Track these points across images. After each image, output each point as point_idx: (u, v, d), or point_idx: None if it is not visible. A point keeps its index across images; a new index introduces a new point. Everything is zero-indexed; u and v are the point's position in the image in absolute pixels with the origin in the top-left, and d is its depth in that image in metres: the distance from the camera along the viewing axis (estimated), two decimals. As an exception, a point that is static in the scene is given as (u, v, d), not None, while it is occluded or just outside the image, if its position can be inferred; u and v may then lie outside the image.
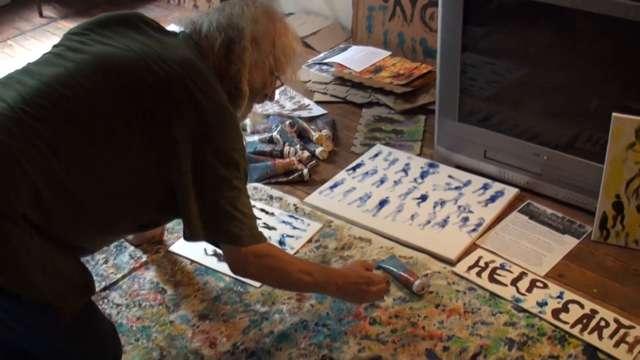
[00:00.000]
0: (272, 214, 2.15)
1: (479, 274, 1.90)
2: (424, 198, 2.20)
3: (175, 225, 2.08)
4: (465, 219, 2.10)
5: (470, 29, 2.12)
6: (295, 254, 1.99)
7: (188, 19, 1.62)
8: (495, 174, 2.27)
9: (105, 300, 1.85)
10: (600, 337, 1.69)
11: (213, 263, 1.95)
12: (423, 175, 2.31)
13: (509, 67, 2.20)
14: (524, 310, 1.78)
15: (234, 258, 1.52)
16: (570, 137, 2.10)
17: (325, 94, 2.82)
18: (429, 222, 2.10)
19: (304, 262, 1.80)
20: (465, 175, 2.30)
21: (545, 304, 1.80)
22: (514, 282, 1.87)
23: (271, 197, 2.23)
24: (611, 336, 1.69)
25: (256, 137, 2.49)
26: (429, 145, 2.46)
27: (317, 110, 2.71)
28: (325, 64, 2.99)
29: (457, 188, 2.24)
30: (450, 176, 2.30)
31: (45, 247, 1.36)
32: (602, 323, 1.73)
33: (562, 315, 1.76)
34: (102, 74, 1.42)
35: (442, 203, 2.18)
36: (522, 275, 1.89)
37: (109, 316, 1.79)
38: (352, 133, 2.57)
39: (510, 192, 2.21)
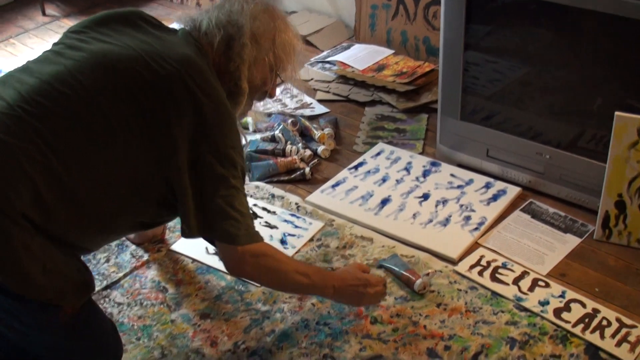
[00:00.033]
0: (274, 212, 2.15)
1: (480, 273, 1.89)
2: (426, 197, 2.20)
3: (176, 224, 2.07)
4: (467, 218, 2.10)
5: (472, 27, 2.12)
6: (296, 252, 1.99)
7: (188, 16, 1.61)
8: (497, 172, 2.26)
9: (107, 299, 1.85)
10: (602, 336, 1.69)
11: (214, 262, 1.95)
12: (425, 174, 2.30)
13: (511, 66, 2.19)
14: (525, 310, 1.78)
15: (230, 257, 1.52)
16: (573, 136, 2.09)
17: (327, 92, 2.82)
18: (430, 220, 2.10)
19: (300, 263, 1.80)
20: (467, 174, 2.29)
21: (547, 303, 1.79)
22: (516, 281, 1.86)
23: (273, 196, 2.23)
24: (613, 335, 1.69)
25: (258, 136, 2.49)
26: (431, 144, 2.45)
27: (320, 109, 2.71)
28: (328, 62, 2.98)
29: (459, 187, 2.24)
30: (452, 175, 2.29)
31: (45, 245, 1.36)
32: (604, 322, 1.72)
33: (564, 315, 1.75)
34: (101, 72, 1.42)
35: (444, 202, 2.17)
36: (524, 275, 1.89)
37: (110, 315, 1.79)
38: (354, 132, 2.57)
39: (513, 191, 2.20)
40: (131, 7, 1.61)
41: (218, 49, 1.55)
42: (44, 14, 3.54)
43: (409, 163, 2.36)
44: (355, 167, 2.35)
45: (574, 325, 1.72)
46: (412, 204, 2.17)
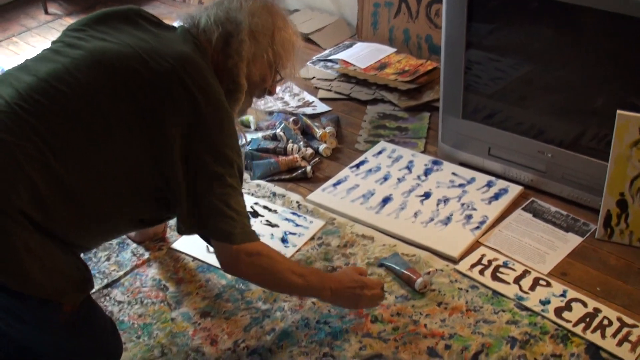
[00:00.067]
0: (275, 211, 2.15)
1: (481, 272, 1.89)
2: (427, 195, 2.19)
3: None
4: (469, 217, 2.09)
5: (474, 25, 2.11)
6: (297, 251, 1.99)
7: (187, 14, 1.61)
8: (499, 171, 2.25)
9: (107, 298, 1.85)
10: (603, 335, 1.68)
11: (215, 260, 1.89)
12: (427, 172, 2.30)
13: (513, 64, 2.18)
14: (526, 309, 1.77)
15: (225, 255, 1.52)
16: (575, 135, 2.09)
17: (329, 90, 2.81)
18: (432, 219, 2.09)
19: (296, 264, 1.79)
20: (469, 173, 2.28)
21: (548, 302, 1.79)
22: (517, 280, 1.86)
23: (274, 194, 2.23)
24: (614, 335, 1.68)
25: (259, 134, 2.49)
26: (433, 143, 2.45)
27: (321, 107, 2.71)
28: (330, 60, 2.98)
29: (460, 185, 2.23)
30: (454, 173, 2.29)
31: (44, 243, 1.36)
32: (605, 322, 1.72)
33: (565, 314, 1.75)
34: (99, 70, 1.42)
35: (446, 200, 2.17)
36: (525, 274, 1.88)
37: (110, 313, 1.80)
38: (356, 130, 2.56)
39: (515, 189, 2.19)
40: (130, 5, 1.61)
41: (216, 46, 1.55)
42: (46, 12, 3.55)
43: (411, 162, 2.35)
44: (357, 166, 2.35)
45: (575, 325, 1.71)
46: (413, 203, 2.16)
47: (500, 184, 2.22)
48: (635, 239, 1.95)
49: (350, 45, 3.08)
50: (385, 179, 2.28)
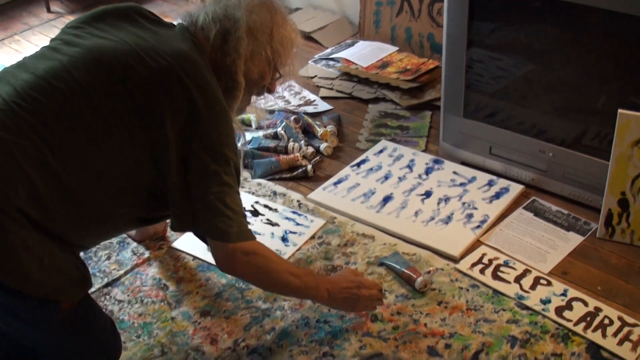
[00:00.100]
0: (276, 210, 2.15)
1: (482, 271, 1.89)
2: (428, 194, 2.19)
3: (178, 221, 2.08)
4: (470, 216, 2.09)
5: (476, 24, 2.11)
6: (297, 250, 1.99)
7: (186, 12, 1.61)
8: (500, 170, 2.25)
9: (108, 297, 1.85)
10: (603, 335, 1.68)
11: None
12: (428, 171, 2.30)
13: (515, 63, 2.18)
14: (527, 308, 1.77)
15: (221, 254, 1.51)
16: (576, 134, 2.08)
17: (331, 89, 2.81)
18: (432, 218, 2.09)
19: (292, 265, 1.79)
20: (470, 172, 2.28)
21: (549, 301, 1.78)
22: (518, 280, 1.85)
23: (275, 193, 2.22)
24: (615, 334, 1.68)
25: (261, 133, 2.49)
26: (434, 142, 2.44)
27: (323, 106, 2.70)
28: (332, 59, 2.97)
29: (461, 184, 2.23)
30: (455, 172, 2.28)
31: (42, 241, 1.37)
32: (606, 321, 1.71)
33: (566, 313, 1.74)
34: (96, 68, 1.42)
35: (447, 199, 2.16)
36: (525, 273, 1.87)
37: (110, 312, 1.80)
38: (357, 129, 2.56)
39: (516, 188, 2.19)
40: (129, 2, 1.60)
41: (214, 43, 1.55)
42: (48, 10, 3.55)
43: (412, 160, 2.35)
44: (358, 165, 2.34)
45: (576, 324, 1.71)
46: (414, 202, 2.16)
47: (501, 183, 2.22)
48: (637, 238, 1.94)
49: (352, 44, 3.08)
50: (386, 177, 2.27)
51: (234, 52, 1.53)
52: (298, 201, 2.18)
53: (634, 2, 1.75)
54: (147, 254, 1.99)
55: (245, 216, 1.54)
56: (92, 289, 1.86)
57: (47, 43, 1.54)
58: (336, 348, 1.68)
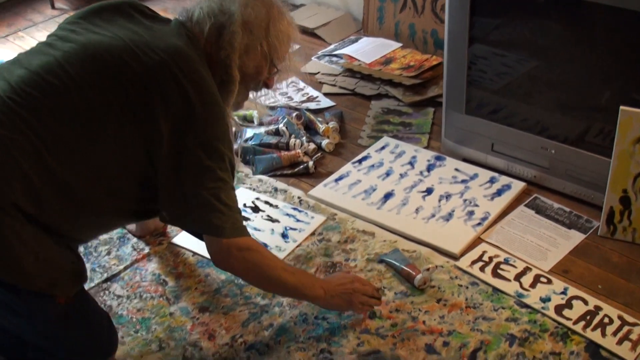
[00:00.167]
0: (276, 206, 2.15)
1: (482, 269, 1.88)
2: (429, 191, 2.18)
3: (178, 217, 2.08)
4: (471, 213, 2.08)
5: (477, 20, 2.09)
6: (297, 246, 1.99)
7: (182, 7, 1.61)
8: (502, 167, 2.24)
9: (107, 292, 1.86)
10: (603, 334, 1.66)
11: None
12: (429, 168, 2.29)
13: (516, 60, 2.16)
14: (526, 306, 1.76)
15: (215, 249, 1.51)
16: (579, 131, 2.06)
17: (334, 85, 2.80)
18: (433, 215, 2.08)
19: (287, 264, 1.79)
20: (472, 169, 2.27)
21: (549, 299, 1.77)
22: (518, 277, 1.84)
23: (276, 190, 2.22)
24: (615, 333, 1.66)
25: (262, 129, 2.48)
26: (436, 138, 2.43)
27: (325, 102, 2.69)
28: (335, 55, 2.97)
29: (463, 181, 2.22)
30: (456, 169, 2.27)
31: (37, 235, 1.37)
32: (606, 320, 1.70)
33: (565, 312, 1.73)
34: (89, 63, 1.42)
35: (448, 196, 2.15)
36: (526, 271, 1.86)
37: (109, 307, 1.80)
38: (359, 125, 2.55)
39: (518, 186, 2.18)
40: None
41: (209, 37, 1.54)
42: (53, 7, 3.55)
43: (414, 157, 2.34)
44: (359, 161, 2.34)
45: (575, 323, 1.70)
46: (415, 199, 2.15)
47: (503, 180, 2.20)
48: (638, 237, 1.93)
49: (356, 40, 3.07)
50: (388, 174, 2.27)
51: (228, 46, 1.52)
52: (299, 197, 2.18)
53: (639, -2, 1.74)
54: (147, 250, 1.99)
55: (240, 212, 1.53)
56: (92, 284, 1.87)
57: (47, 39, 1.54)
58: (334, 345, 1.68)
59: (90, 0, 3.50)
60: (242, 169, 2.32)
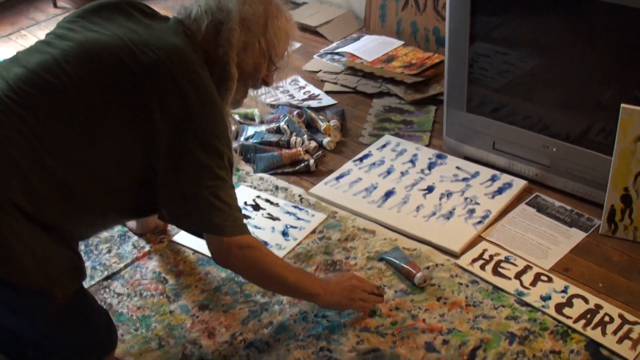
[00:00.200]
0: (277, 204, 2.14)
1: (482, 267, 1.87)
2: (430, 189, 2.18)
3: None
4: (472, 211, 2.07)
5: (480, 18, 2.09)
6: (298, 244, 1.98)
7: (180, 5, 1.60)
8: (504, 165, 2.23)
9: (107, 290, 1.86)
10: (603, 332, 1.66)
11: None
12: (430, 166, 2.28)
13: (520, 58, 2.16)
14: (526, 304, 1.75)
15: (216, 248, 1.52)
16: (580, 129, 2.06)
17: (335, 84, 2.80)
18: (434, 213, 2.08)
19: (287, 262, 1.81)
20: (473, 167, 2.26)
21: (549, 298, 1.76)
22: (518, 276, 1.84)
23: (277, 188, 2.22)
24: (615, 332, 1.66)
25: (263, 127, 2.48)
26: (438, 136, 2.43)
27: (327, 101, 2.69)
28: (337, 53, 2.97)
29: (464, 179, 2.21)
30: (458, 167, 2.27)
31: (35, 233, 1.37)
32: (607, 318, 1.69)
33: (566, 310, 1.73)
34: (87, 61, 1.42)
35: (449, 194, 2.15)
36: (526, 269, 1.86)
37: (109, 305, 1.80)
38: (361, 123, 2.55)
39: (519, 184, 2.17)
40: None
41: (206, 35, 1.54)
42: (55, 5, 3.55)
43: (415, 155, 2.34)
44: (360, 159, 2.33)
45: (576, 321, 1.69)
46: (416, 197, 2.15)
47: (505, 178, 2.20)
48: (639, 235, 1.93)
49: (358, 38, 3.07)
50: (389, 172, 2.26)
51: (226, 43, 1.52)
52: (300, 196, 2.18)
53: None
54: (147, 248, 1.99)
55: (240, 210, 1.53)
56: (92, 282, 1.87)
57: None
58: (333, 343, 1.68)
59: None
60: (243, 167, 2.32)
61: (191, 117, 1.44)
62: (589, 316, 1.71)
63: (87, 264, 1.92)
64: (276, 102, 2.62)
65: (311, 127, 2.49)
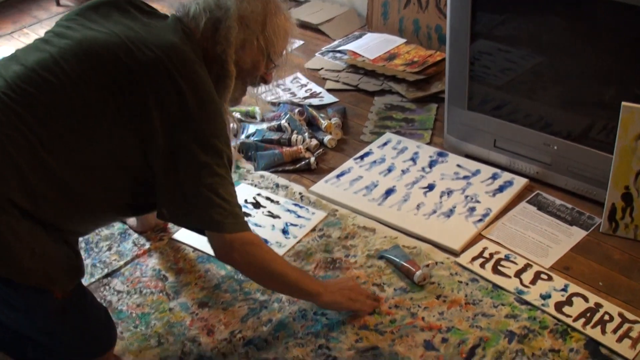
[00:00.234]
0: (277, 202, 2.14)
1: (482, 265, 1.87)
2: (431, 187, 2.17)
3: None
4: (472, 209, 2.07)
5: (482, 16, 2.08)
6: (298, 242, 1.98)
7: (179, 3, 1.60)
8: (505, 163, 2.23)
9: (107, 287, 1.86)
10: (603, 331, 1.65)
11: None
12: (431, 164, 2.28)
13: (522, 56, 2.15)
14: (526, 303, 1.75)
15: (218, 245, 1.52)
16: (582, 127, 2.05)
17: (337, 81, 2.79)
18: (434, 211, 2.07)
19: (287, 261, 1.83)
20: (474, 165, 2.26)
21: (549, 296, 1.76)
22: (518, 274, 1.83)
23: (277, 186, 2.22)
24: (614, 331, 1.65)
25: (264, 125, 2.48)
26: (439, 134, 2.42)
27: (329, 98, 2.69)
28: (339, 51, 2.96)
29: (465, 177, 2.21)
30: (459, 165, 2.26)
31: (33, 230, 1.37)
32: (606, 317, 1.69)
33: (565, 309, 1.72)
34: (84, 59, 1.42)
35: (449, 193, 2.15)
36: (526, 267, 1.85)
37: (109, 303, 1.81)
38: (362, 121, 2.54)
39: (520, 182, 2.17)
40: None
41: (205, 32, 1.54)
42: (58, 4, 3.55)
43: (416, 153, 2.33)
44: (361, 157, 2.33)
45: (575, 320, 1.69)
46: (416, 195, 2.14)
47: (506, 176, 2.19)
48: (641, 233, 1.92)
49: (360, 36, 3.06)
50: (390, 170, 2.26)
51: (224, 40, 1.52)
52: (300, 194, 2.18)
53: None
54: (147, 245, 1.99)
55: (240, 207, 1.53)
56: (92, 279, 1.87)
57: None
58: (332, 341, 1.68)
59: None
60: (244, 165, 2.32)
61: (189, 116, 1.44)
62: (588, 315, 1.70)
63: (87, 261, 1.92)
64: (277, 100, 2.62)
65: (312, 125, 2.49)
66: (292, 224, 2.06)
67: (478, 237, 1.98)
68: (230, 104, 1.61)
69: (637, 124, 1.80)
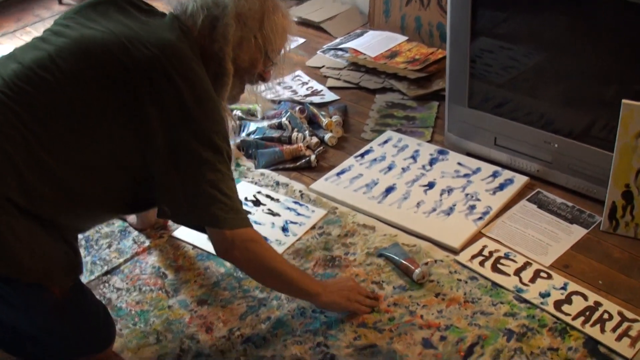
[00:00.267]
0: (277, 200, 2.14)
1: (482, 263, 1.86)
2: (431, 185, 2.17)
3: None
4: (472, 207, 2.07)
5: (484, 13, 2.08)
6: (297, 240, 1.98)
7: (177, 1, 1.60)
8: (505, 161, 2.22)
9: (107, 284, 1.86)
10: (602, 330, 1.65)
11: None
12: (432, 162, 2.27)
13: (524, 53, 2.14)
14: (525, 301, 1.75)
15: (219, 241, 1.52)
16: (582, 125, 2.04)
17: (338, 79, 2.79)
18: (434, 209, 2.07)
19: (287, 260, 1.83)
20: (475, 163, 2.25)
21: (548, 295, 1.76)
22: (517, 272, 1.83)
23: (277, 183, 2.22)
24: (614, 329, 1.65)
25: (265, 123, 2.48)
26: (440, 132, 2.42)
27: (330, 96, 2.69)
28: (340, 49, 2.96)
29: (465, 175, 2.20)
30: (459, 163, 2.26)
31: (31, 228, 1.37)
32: (606, 316, 1.68)
33: (565, 307, 1.72)
34: (81, 58, 1.42)
35: (450, 191, 2.14)
36: (526, 265, 1.85)
37: (108, 300, 1.81)
38: (363, 119, 2.54)
39: (520, 180, 2.16)
40: None
41: (202, 30, 1.54)
42: (60, 2, 3.56)
43: (416, 151, 2.33)
44: (362, 155, 2.33)
45: (574, 318, 1.68)
46: (416, 193, 2.14)
47: (506, 174, 2.19)
48: (641, 232, 1.91)
49: (362, 34, 3.06)
50: (390, 168, 2.26)
51: (221, 38, 1.52)
52: (300, 191, 2.18)
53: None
54: (147, 243, 2.00)
55: (241, 203, 1.54)
56: (92, 277, 1.88)
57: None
58: (330, 338, 1.68)
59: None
60: (245, 163, 2.32)
61: (187, 114, 1.44)
62: (587, 313, 1.70)
63: (87, 259, 1.93)
64: (278, 98, 2.62)
65: (313, 123, 2.49)
66: (292, 222, 2.06)
67: (478, 235, 1.97)
68: (228, 102, 1.61)
69: (637, 122, 1.79)
